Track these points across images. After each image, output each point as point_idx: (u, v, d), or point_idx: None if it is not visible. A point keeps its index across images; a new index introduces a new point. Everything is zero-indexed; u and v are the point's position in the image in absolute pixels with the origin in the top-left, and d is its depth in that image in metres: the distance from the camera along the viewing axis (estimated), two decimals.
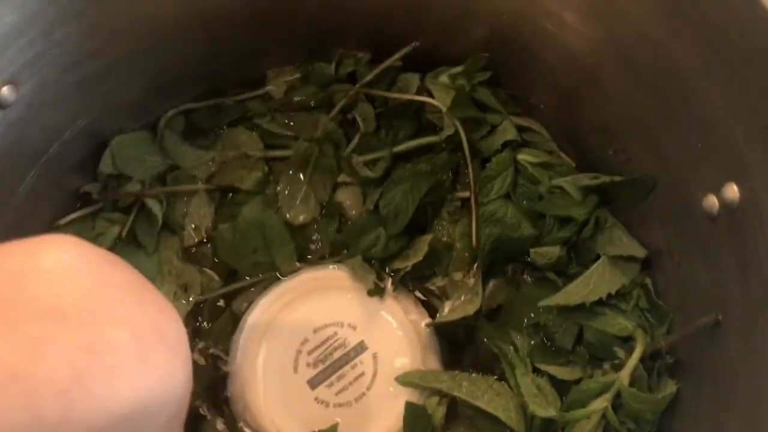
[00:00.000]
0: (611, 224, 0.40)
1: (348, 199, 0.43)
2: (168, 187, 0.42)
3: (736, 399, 0.31)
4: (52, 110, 0.36)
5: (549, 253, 0.40)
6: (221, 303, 0.41)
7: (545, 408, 0.36)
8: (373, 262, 0.41)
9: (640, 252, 0.38)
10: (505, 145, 0.42)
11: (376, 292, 0.40)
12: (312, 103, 0.44)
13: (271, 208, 0.42)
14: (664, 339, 0.36)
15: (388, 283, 0.40)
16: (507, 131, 0.42)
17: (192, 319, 0.40)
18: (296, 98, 0.44)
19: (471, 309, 0.39)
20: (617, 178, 0.38)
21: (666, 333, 0.37)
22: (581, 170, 0.42)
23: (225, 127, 0.44)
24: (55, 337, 0.20)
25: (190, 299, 0.40)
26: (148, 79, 0.40)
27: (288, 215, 0.42)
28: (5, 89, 0.33)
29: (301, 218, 0.42)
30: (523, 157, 0.42)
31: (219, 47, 0.41)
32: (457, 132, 0.42)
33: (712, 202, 0.31)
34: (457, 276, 0.41)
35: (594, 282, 0.38)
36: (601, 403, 0.36)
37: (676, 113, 0.33)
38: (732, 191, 0.30)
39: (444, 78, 0.44)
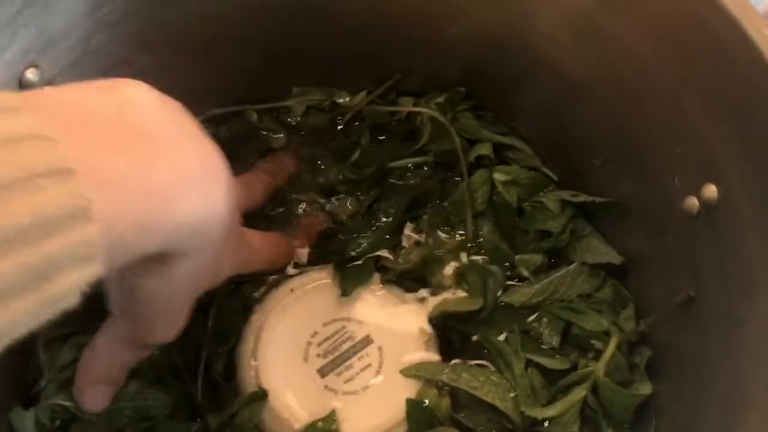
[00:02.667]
0: (589, 233, 0.42)
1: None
2: None
3: (715, 390, 0.32)
4: None
5: (532, 260, 0.43)
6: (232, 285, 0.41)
7: (533, 407, 0.38)
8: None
9: (615, 258, 0.40)
10: (480, 163, 0.45)
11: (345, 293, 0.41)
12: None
13: None
14: (644, 322, 0.38)
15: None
16: (482, 148, 0.45)
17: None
18: (315, 118, 0.47)
19: (475, 305, 0.41)
20: (597, 199, 0.41)
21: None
22: (566, 183, 0.44)
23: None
24: (154, 157, 0.23)
25: None
26: (174, 88, 0.41)
27: None
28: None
29: None
30: (497, 176, 0.44)
31: (245, 64, 0.43)
32: (439, 155, 0.45)
33: (692, 202, 0.34)
34: (446, 282, 0.43)
35: (561, 284, 0.41)
36: (579, 393, 0.37)
37: (658, 122, 0.35)
38: (711, 191, 0.32)
39: (432, 105, 0.46)
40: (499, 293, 0.42)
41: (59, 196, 0.18)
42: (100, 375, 0.33)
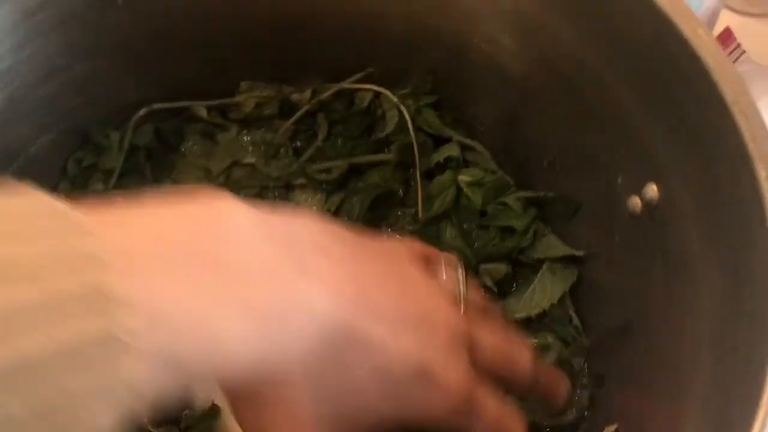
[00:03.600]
0: (547, 233, 0.42)
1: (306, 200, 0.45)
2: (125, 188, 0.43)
3: (661, 397, 0.33)
4: (23, 121, 0.36)
5: (496, 269, 0.42)
6: None
7: None
8: None
9: (576, 252, 0.40)
10: (446, 164, 0.44)
11: None
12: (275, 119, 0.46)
13: None
14: (585, 341, 0.39)
15: None
16: (450, 149, 0.45)
17: None
18: (266, 112, 0.46)
19: None
20: (550, 194, 0.42)
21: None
22: (521, 186, 0.44)
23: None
24: (225, 297, 0.21)
25: None
26: (115, 93, 0.40)
27: None
28: None
29: None
30: (462, 177, 0.44)
31: (187, 64, 0.42)
32: (402, 150, 0.44)
33: (635, 202, 0.34)
34: None
35: (537, 292, 0.41)
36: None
37: (602, 123, 0.35)
38: (652, 190, 0.32)
39: (393, 98, 0.45)
40: None
41: (100, 327, 0.16)
42: None
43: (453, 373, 0.27)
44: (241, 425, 0.25)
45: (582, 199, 0.40)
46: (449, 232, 0.44)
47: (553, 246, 0.41)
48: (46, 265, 0.16)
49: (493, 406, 0.29)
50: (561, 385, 0.34)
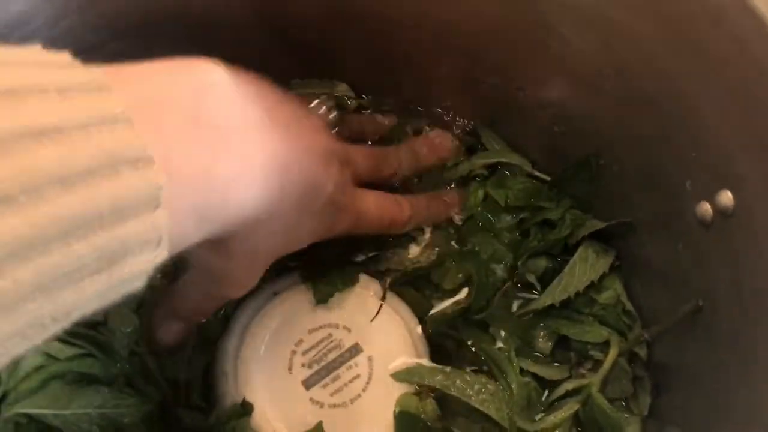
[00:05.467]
0: (588, 219, 0.40)
1: None
2: None
3: (731, 415, 0.31)
4: None
5: (535, 264, 0.41)
6: None
7: (527, 419, 0.36)
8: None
9: (608, 222, 0.38)
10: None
11: (321, 300, 0.39)
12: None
13: None
14: (647, 332, 0.36)
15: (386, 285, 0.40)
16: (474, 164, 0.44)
17: None
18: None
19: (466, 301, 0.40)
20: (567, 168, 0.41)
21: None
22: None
23: None
24: (220, 149, 0.23)
25: None
26: None
27: None
28: None
29: None
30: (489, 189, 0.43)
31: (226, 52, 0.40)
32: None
33: (705, 209, 0.32)
34: (447, 285, 0.41)
35: (578, 271, 0.39)
36: (572, 407, 0.36)
37: (670, 124, 0.33)
38: (726, 198, 0.30)
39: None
40: (514, 308, 0.40)
41: (137, 184, 0.18)
42: (177, 313, 0.34)
43: (349, 197, 0.34)
44: (208, 268, 0.30)
45: (643, 203, 0.37)
46: (488, 241, 0.42)
47: (597, 224, 0.39)
48: (94, 128, 0.18)
49: (372, 199, 0.36)
50: (444, 142, 0.44)
